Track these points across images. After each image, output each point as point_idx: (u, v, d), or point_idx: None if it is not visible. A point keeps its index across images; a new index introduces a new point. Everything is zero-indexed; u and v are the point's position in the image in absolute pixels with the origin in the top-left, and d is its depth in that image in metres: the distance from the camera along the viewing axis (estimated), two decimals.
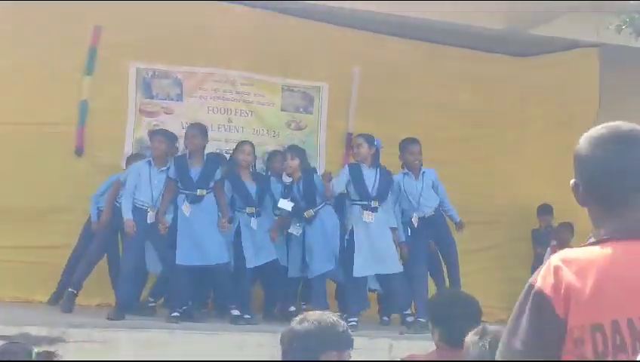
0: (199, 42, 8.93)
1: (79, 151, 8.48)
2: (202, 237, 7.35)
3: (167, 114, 8.98)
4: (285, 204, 7.67)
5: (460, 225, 8.20)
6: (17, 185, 8.26)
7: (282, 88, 9.44)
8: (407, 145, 8.01)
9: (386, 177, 7.80)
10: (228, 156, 8.32)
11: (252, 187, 7.76)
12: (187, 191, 7.42)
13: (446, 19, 9.08)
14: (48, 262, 8.18)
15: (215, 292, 7.91)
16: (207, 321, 7.43)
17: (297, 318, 2.90)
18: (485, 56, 9.86)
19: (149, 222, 7.37)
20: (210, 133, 8.69)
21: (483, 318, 3.62)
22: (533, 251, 9.73)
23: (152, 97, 8.99)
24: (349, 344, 2.90)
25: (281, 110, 9.44)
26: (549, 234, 9.59)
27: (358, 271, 7.49)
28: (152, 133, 7.79)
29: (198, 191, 7.41)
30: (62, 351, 2.77)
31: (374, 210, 7.61)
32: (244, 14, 8.98)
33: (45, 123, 8.42)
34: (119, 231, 7.70)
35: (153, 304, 7.82)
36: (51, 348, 2.73)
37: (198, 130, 7.70)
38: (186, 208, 7.35)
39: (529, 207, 9.74)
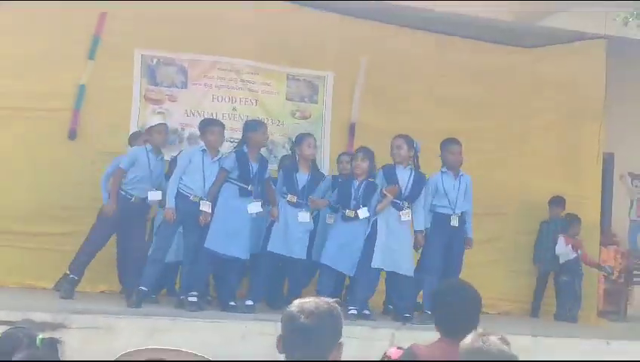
0: (205, 30, 8.92)
1: (72, 135, 8.48)
2: (239, 230, 7.40)
3: (171, 101, 8.97)
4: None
5: (469, 242, 8.17)
6: (22, 171, 8.27)
7: (287, 77, 9.42)
8: (448, 144, 8.04)
9: (419, 179, 7.85)
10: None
11: (306, 178, 7.81)
12: (241, 184, 7.46)
13: (454, 10, 9.05)
14: (53, 249, 8.19)
15: (224, 283, 7.88)
16: (210, 309, 7.44)
17: (298, 310, 2.69)
18: (492, 47, 9.84)
19: (205, 211, 7.31)
20: None
21: (487, 310, 3.63)
22: (537, 242, 9.72)
23: (156, 84, 8.98)
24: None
25: (286, 99, 9.42)
26: (557, 226, 9.58)
27: (377, 262, 7.56)
28: (205, 123, 7.69)
29: (250, 187, 7.48)
30: (65, 337, 2.77)
31: (401, 209, 7.70)
32: (249, 2, 8.95)
33: (50, 109, 8.44)
34: (126, 219, 7.65)
35: (154, 296, 7.83)
36: (55, 334, 2.73)
37: (265, 129, 7.79)
38: (255, 207, 7.47)
39: (535, 199, 9.73)
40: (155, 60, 8.99)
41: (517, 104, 9.89)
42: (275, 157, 9.03)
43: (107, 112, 8.54)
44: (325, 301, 2.77)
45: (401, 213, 7.69)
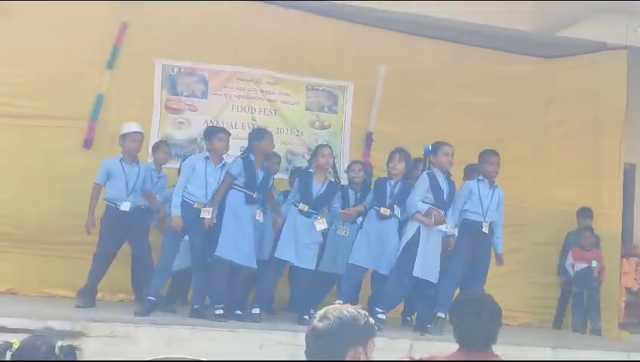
0: (225, 40, 8.98)
1: (88, 145, 8.54)
2: (246, 238, 7.37)
3: (191, 111, 9.03)
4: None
5: (499, 258, 8.09)
6: (42, 181, 8.33)
7: (307, 87, 9.45)
8: (488, 155, 7.98)
9: (452, 187, 7.83)
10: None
11: (319, 189, 7.73)
12: (247, 191, 7.42)
13: (473, 21, 9.05)
14: (73, 257, 8.23)
15: (231, 291, 7.86)
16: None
17: (318, 315, 2.82)
18: (512, 57, 9.81)
19: (206, 217, 7.28)
20: (234, 132, 8.77)
21: (506, 321, 3.60)
22: (562, 253, 9.64)
23: (177, 94, 9.03)
24: (372, 333, 2.84)
25: (306, 109, 9.45)
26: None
27: (418, 271, 7.50)
28: (213, 130, 7.66)
29: (256, 195, 7.44)
30: (84, 346, 2.77)
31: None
32: (270, 13, 9.00)
33: (70, 118, 8.51)
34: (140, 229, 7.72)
35: (172, 305, 7.85)
36: (74, 342, 2.74)
37: (271, 137, 7.72)
38: (259, 215, 7.46)
39: (554, 210, 9.68)
40: (175, 70, 9.05)
41: (537, 114, 9.85)
42: (294, 167, 9.04)
43: (127, 122, 8.57)
44: (347, 307, 2.80)
45: (445, 224, 7.63)
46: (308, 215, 7.66)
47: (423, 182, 7.74)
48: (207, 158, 7.48)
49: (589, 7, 8.84)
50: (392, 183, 7.78)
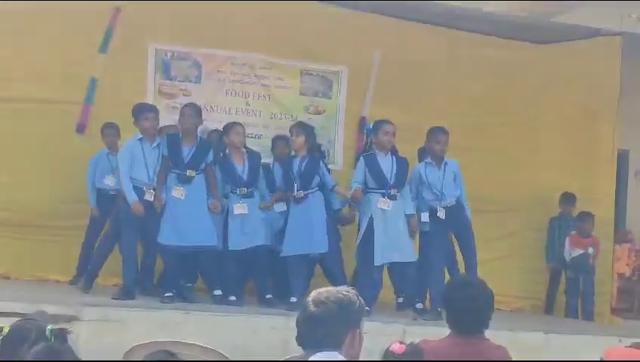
0: (219, 25, 8.93)
1: (80, 129, 8.51)
2: (188, 219, 7.24)
3: (185, 96, 8.99)
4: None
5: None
6: (35, 165, 8.33)
7: (301, 72, 9.43)
8: (436, 133, 7.80)
9: (402, 165, 7.66)
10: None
11: (242, 168, 7.61)
12: (177, 171, 7.32)
13: (468, 6, 9.02)
14: (66, 242, 8.25)
15: (201, 273, 7.86)
16: (200, 302, 7.39)
17: (311, 301, 2.80)
18: (506, 43, 9.80)
19: (150, 199, 7.22)
20: (227, 117, 8.78)
21: (499, 307, 3.61)
22: (548, 239, 9.67)
23: (170, 79, 9.01)
24: (363, 313, 2.87)
25: (300, 94, 9.43)
26: (568, 223, 9.52)
27: (378, 259, 7.45)
28: (139, 109, 7.48)
29: (188, 172, 7.31)
30: (77, 330, 2.78)
31: (393, 198, 7.49)
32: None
33: (64, 102, 8.49)
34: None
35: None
36: (67, 326, 2.75)
37: (193, 110, 7.55)
38: (178, 192, 7.27)
39: (547, 196, 9.70)
40: (169, 54, 9.02)
41: (530, 100, 9.85)
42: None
43: (120, 106, 8.54)
44: (340, 290, 2.80)
45: (381, 199, 7.48)
46: (249, 195, 7.56)
47: (359, 166, 7.67)
48: (141, 140, 7.36)
49: None
50: (298, 161, 7.61)
